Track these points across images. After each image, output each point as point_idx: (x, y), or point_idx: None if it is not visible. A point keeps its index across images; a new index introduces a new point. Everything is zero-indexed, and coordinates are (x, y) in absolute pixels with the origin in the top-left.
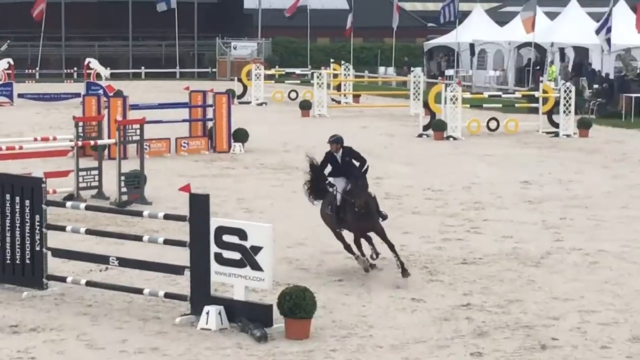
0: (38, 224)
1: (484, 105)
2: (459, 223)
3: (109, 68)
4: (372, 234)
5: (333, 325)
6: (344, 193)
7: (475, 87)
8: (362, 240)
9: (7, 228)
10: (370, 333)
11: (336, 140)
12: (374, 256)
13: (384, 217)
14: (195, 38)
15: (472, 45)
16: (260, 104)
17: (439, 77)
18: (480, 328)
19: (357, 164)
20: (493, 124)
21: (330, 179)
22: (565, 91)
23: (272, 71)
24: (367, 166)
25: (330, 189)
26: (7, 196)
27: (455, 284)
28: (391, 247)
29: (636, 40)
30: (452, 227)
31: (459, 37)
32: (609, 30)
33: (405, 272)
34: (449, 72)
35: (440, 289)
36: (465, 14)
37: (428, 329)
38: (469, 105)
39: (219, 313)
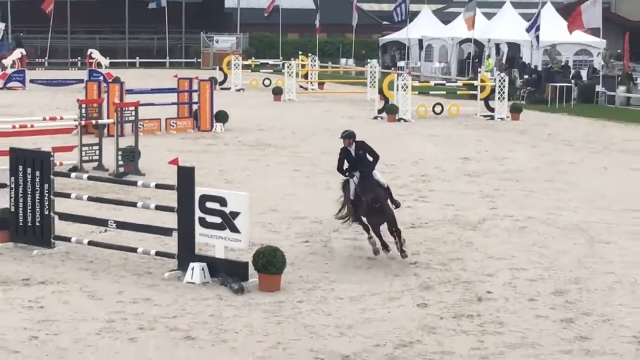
0: (47, 191)
1: (431, 92)
2: (409, 193)
3: (108, 58)
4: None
5: (300, 280)
6: (356, 187)
7: (423, 77)
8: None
9: (20, 195)
10: (332, 287)
11: (348, 135)
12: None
13: (397, 205)
14: (183, 32)
15: (420, 41)
16: (239, 90)
17: (392, 68)
18: (426, 283)
19: (370, 158)
20: (438, 108)
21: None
22: (499, 80)
23: (249, 62)
24: (377, 161)
25: (351, 179)
26: (20, 167)
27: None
28: (398, 233)
29: (561, 37)
30: (403, 197)
31: (410, 34)
32: (537, 28)
33: (403, 254)
34: (401, 63)
35: (392, 249)
36: (415, 13)
37: (381, 283)
38: (417, 92)
39: (202, 269)
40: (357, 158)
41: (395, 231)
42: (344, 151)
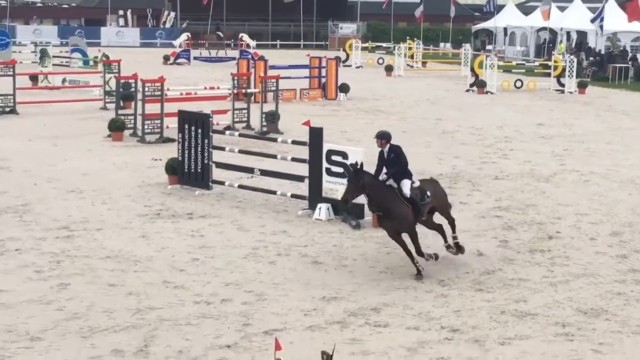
0: (206, 145)
1: (513, 70)
2: (493, 151)
3: (255, 40)
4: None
5: None
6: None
7: (507, 58)
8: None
9: (186, 148)
10: None
11: (380, 136)
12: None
13: (422, 215)
14: (314, 21)
15: (505, 29)
16: (358, 67)
17: (482, 50)
18: (506, 223)
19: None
20: (519, 84)
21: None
22: (569, 61)
23: (366, 44)
24: (401, 167)
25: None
26: (186, 126)
27: (489, 193)
28: (408, 253)
29: (620, 27)
30: (488, 154)
31: (497, 23)
32: (602, 19)
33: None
34: (489, 47)
35: (479, 196)
36: (501, 6)
37: (470, 223)
38: (502, 70)
39: (328, 208)
40: (388, 161)
41: (404, 249)
42: (379, 153)
